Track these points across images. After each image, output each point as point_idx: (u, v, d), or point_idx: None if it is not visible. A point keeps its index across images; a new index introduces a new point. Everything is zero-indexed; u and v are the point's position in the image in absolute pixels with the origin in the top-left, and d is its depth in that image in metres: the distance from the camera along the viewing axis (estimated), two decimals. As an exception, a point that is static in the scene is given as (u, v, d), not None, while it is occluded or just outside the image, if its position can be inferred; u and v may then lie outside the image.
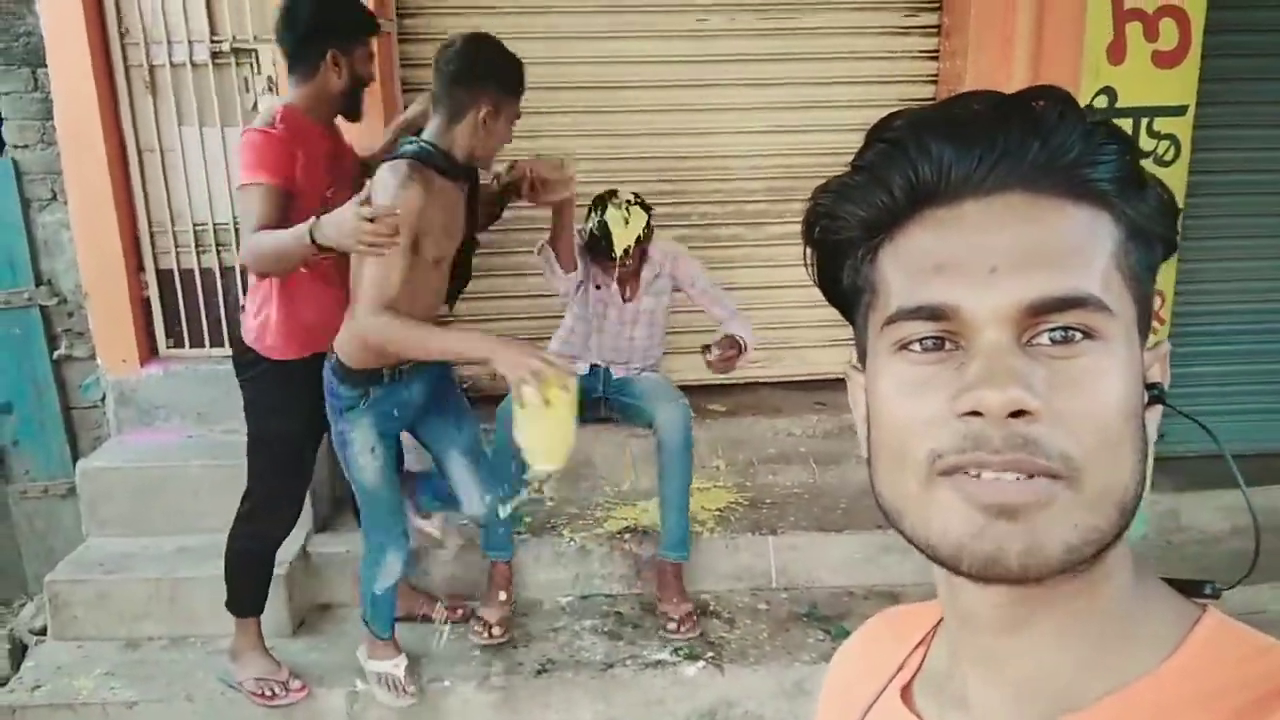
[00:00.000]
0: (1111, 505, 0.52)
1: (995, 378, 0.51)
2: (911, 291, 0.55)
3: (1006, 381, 0.51)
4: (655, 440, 3.00)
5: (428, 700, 2.82)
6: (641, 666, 2.90)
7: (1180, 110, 3.23)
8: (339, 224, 2.13)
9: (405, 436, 2.81)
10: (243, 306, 2.76)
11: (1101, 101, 3.17)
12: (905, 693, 0.67)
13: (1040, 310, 0.52)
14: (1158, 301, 3.12)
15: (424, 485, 2.90)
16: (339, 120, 2.69)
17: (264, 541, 2.78)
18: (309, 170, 2.49)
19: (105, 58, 3.29)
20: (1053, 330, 0.53)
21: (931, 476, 0.54)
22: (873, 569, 3.27)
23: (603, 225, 2.94)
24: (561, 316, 3.24)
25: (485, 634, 2.97)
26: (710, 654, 2.94)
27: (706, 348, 2.96)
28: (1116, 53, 3.17)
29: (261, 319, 2.63)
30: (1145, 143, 3.19)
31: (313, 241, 2.18)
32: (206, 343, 3.54)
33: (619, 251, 2.95)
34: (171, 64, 3.33)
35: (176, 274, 3.49)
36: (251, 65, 3.36)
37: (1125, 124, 3.07)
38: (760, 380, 3.88)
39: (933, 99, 3.59)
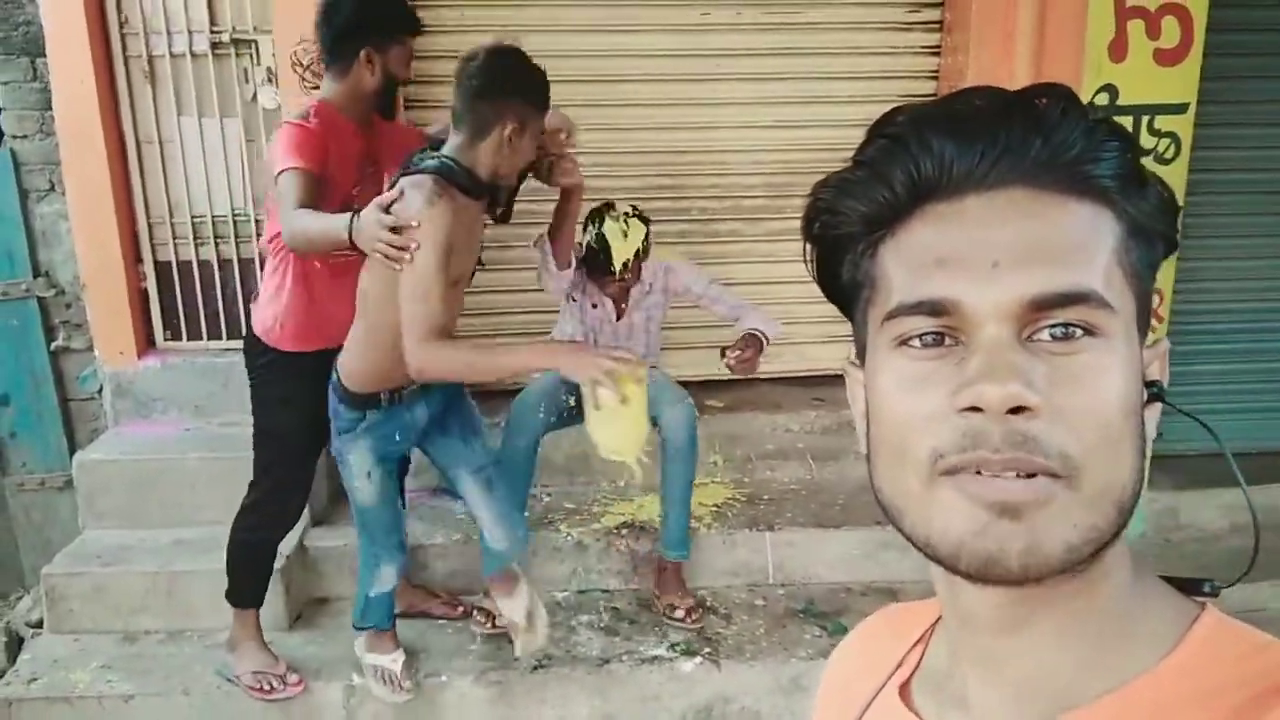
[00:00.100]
0: (1110, 504, 0.52)
1: (996, 373, 0.51)
2: (912, 286, 0.55)
3: (1007, 377, 0.51)
4: (659, 439, 2.98)
5: (424, 695, 2.82)
6: (638, 662, 2.91)
7: (1181, 108, 3.22)
8: (361, 227, 2.14)
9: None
10: (255, 295, 2.75)
11: (1102, 99, 3.17)
12: (904, 690, 0.67)
13: (1042, 306, 0.52)
14: (1156, 300, 3.11)
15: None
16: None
17: (267, 534, 2.77)
18: (338, 165, 2.50)
19: (105, 48, 3.29)
20: (1053, 326, 0.52)
21: (934, 476, 0.53)
22: (870, 565, 3.28)
23: (601, 238, 2.87)
24: (552, 309, 3.21)
25: (489, 625, 2.97)
26: (707, 649, 2.94)
27: (724, 351, 2.86)
28: (1118, 50, 3.16)
29: (275, 310, 2.62)
30: (1146, 140, 3.19)
31: (349, 238, 2.18)
32: (204, 335, 3.54)
33: (618, 265, 2.88)
34: (171, 54, 3.32)
35: (175, 266, 3.49)
36: (251, 56, 3.36)
37: (1126, 121, 3.06)
38: (759, 376, 3.87)
39: (934, 95, 3.60)
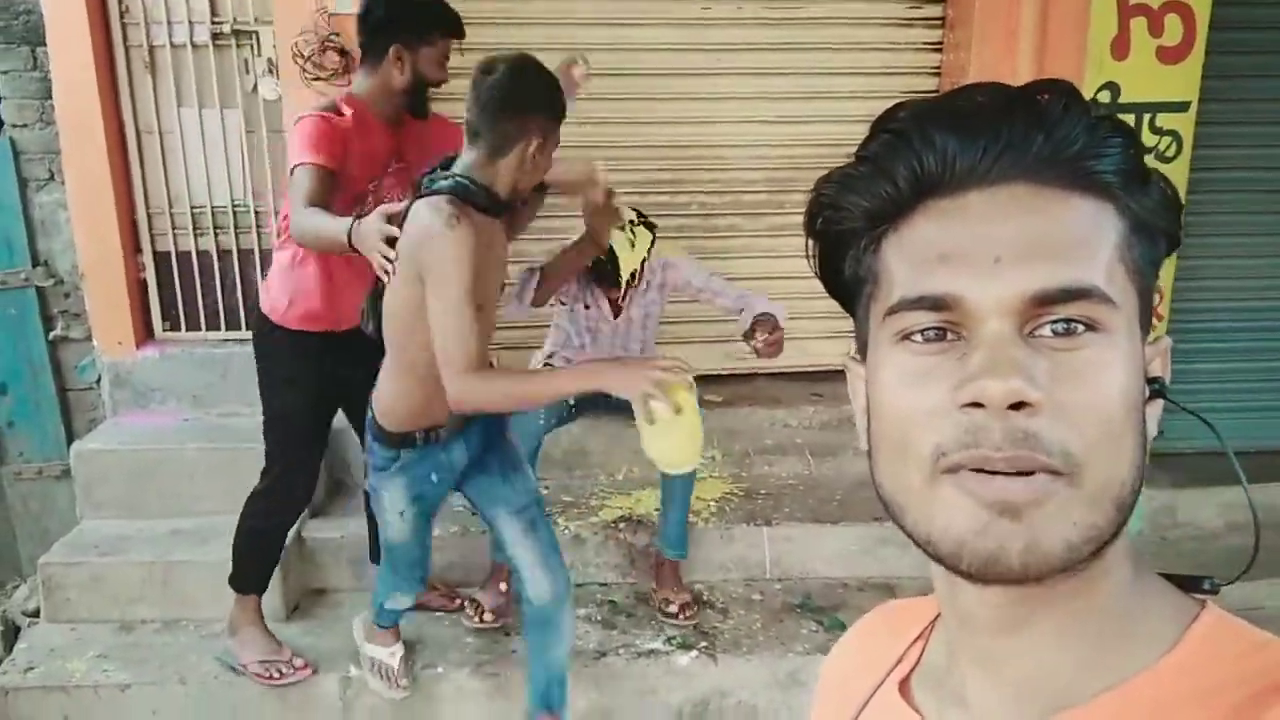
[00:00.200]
0: (1110, 501, 0.52)
1: (997, 368, 0.51)
2: (914, 282, 0.55)
3: (1008, 372, 0.51)
4: None
5: (421, 687, 2.82)
6: (635, 656, 2.91)
7: (1183, 106, 3.22)
8: (364, 233, 2.12)
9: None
10: (264, 280, 2.75)
11: (1104, 96, 3.17)
12: (903, 687, 0.67)
13: (1044, 301, 0.52)
14: (1155, 298, 3.11)
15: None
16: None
17: (277, 519, 2.78)
18: (357, 160, 2.50)
19: (105, 37, 3.28)
20: (1055, 322, 0.52)
21: (935, 473, 0.53)
22: (868, 561, 3.28)
23: (608, 249, 2.81)
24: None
25: (477, 618, 2.97)
26: (704, 644, 2.95)
27: (749, 336, 2.77)
28: (1120, 47, 3.16)
29: (285, 289, 2.62)
30: (1147, 139, 3.19)
31: (348, 242, 2.17)
32: (203, 326, 3.54)
33: (625, 276, 2.85)
34: (172, 44, 3.32)
35: (174, 256, 3.48)
36: (252, 47, 3.35)
37: (1128, 119, 3.05)
38: (757, 371, 3.87)
39: (936, 91, 3.59)
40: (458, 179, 2.05)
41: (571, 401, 2.87)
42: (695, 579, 3.23)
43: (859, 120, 3.55)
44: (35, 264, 3.57)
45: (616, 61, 3.56)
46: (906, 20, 3.67)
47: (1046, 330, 0.52)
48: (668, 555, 3.08)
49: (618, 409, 3.10)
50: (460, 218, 1.98)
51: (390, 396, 2.24)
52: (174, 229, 3.46)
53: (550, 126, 2.12)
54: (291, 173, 2.43)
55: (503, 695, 2.84)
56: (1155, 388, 0.57)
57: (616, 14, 3.53)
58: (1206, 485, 3.35)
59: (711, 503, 3.39)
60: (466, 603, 3.03)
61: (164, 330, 3.55)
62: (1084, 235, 0.54)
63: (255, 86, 3.37)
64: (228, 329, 3.53)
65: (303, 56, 3.20)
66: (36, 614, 3.15)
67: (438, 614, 3.06)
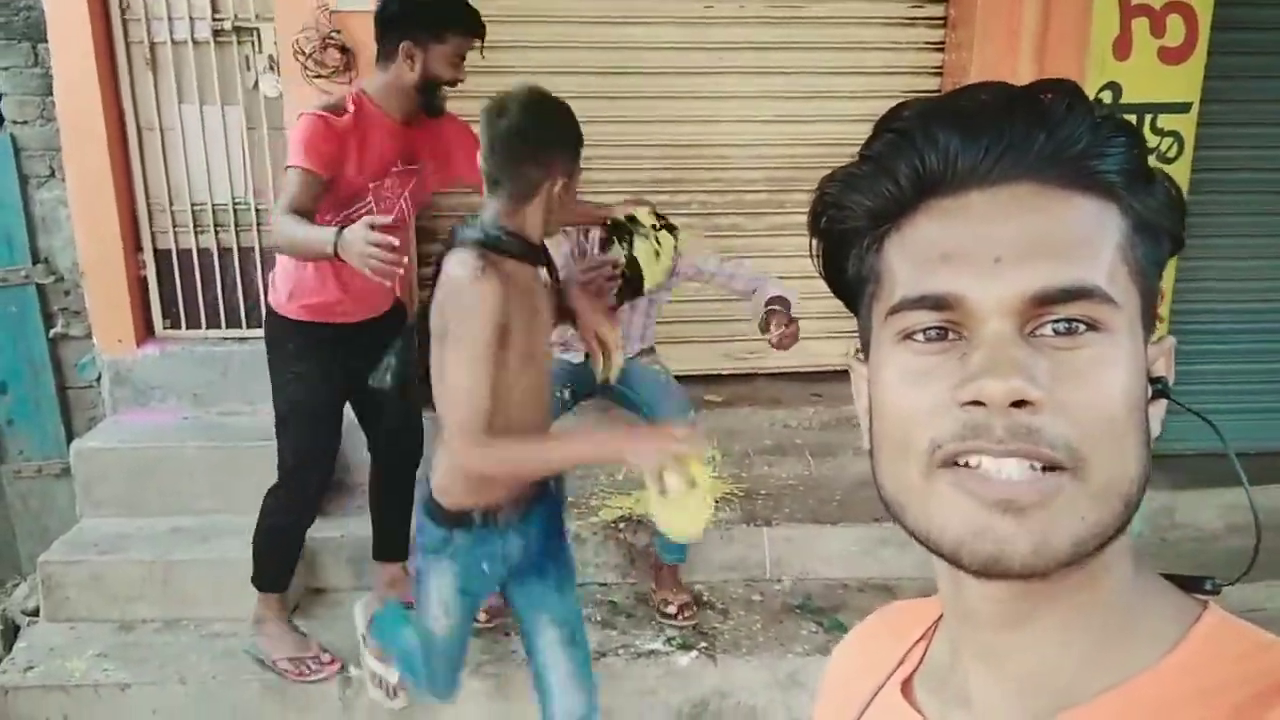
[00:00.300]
0: (1116, 498, 0.52)
1: (998, 368, 0.51)
2: (916, 281, 0.55)
3: (1009, 371, 0.51)
4: None
5: (420, 685, 2.82)
6: (634, 656, 2.91)
7: (1185, 107, 3.22)
8: (349, 242, 2.08)
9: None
10: (271, 280, 2.74)
11: (1106, 97, 3.17)
12: (906, 687, 0.67)
13: (1045, 301, 0.52)
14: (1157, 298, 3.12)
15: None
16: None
17: (292, 518, 2.77)
18: (358, 158, 2.48)
19: (106, 34, 3.28)
20: (1057, 322, 0.52)
21: (932, 468, 0.53)
22: (868, 561, 3.28)
23: (633, 262, 2.70)
24: None
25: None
26: (703, 644, 2.94)
27: (764, 329, 2.70)
28: (1122, 48, 3.16)
29: (291, 281, 2.61)
30: (1149, 139, 3.18)
31: (334, 252, 2.13)
32: (204, 324, 3.54)
33: (651, 286, 2.75)
34: (173, 41, 3.31)
35: (174, 254, 3.48)
36: (253, 44, 3.35)
37: (1129, 120, 3.06)
38: (757, 371, 3.87)
39: (937, 91, 3.59)
40: (486, 229, 1.93)
41: (566, 396, 2.85)
42: (695, 579, 3.23)
43: (861, 120, 3.59)
44: (35, 261, 3.57)
45: (618, 60, 3.56)
46: (908, 20, 3.67)
47: (1048, 330, 0.53)
48: (666, 560, 3.07)
49: (619, 399, 3.09)
50: (487, 270, 1.85)
51: (445, 469, 2.05)
52: (175, 226, 3.45)
53: (573, 159, 2.00)
54: (286, 170, 2.43)
55: (502, 695, 2.84)
56: (1158, 388, 0.57)
57: (618, 12, 3.53)
58: (1206, 487, 3.35)
59: (711, 503, 3.38)
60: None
61: (164, 328, 3.54)
62: (1086, 235, 0.54)
63: (256, 83, 3.37)
64: (228, 327, 3.53)
65: (304, 53, 3.20)
66: (36, 613, 3.15)
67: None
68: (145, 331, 3.53)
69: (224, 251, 3.49)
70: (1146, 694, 0.54)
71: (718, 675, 2.88)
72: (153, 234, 3.47)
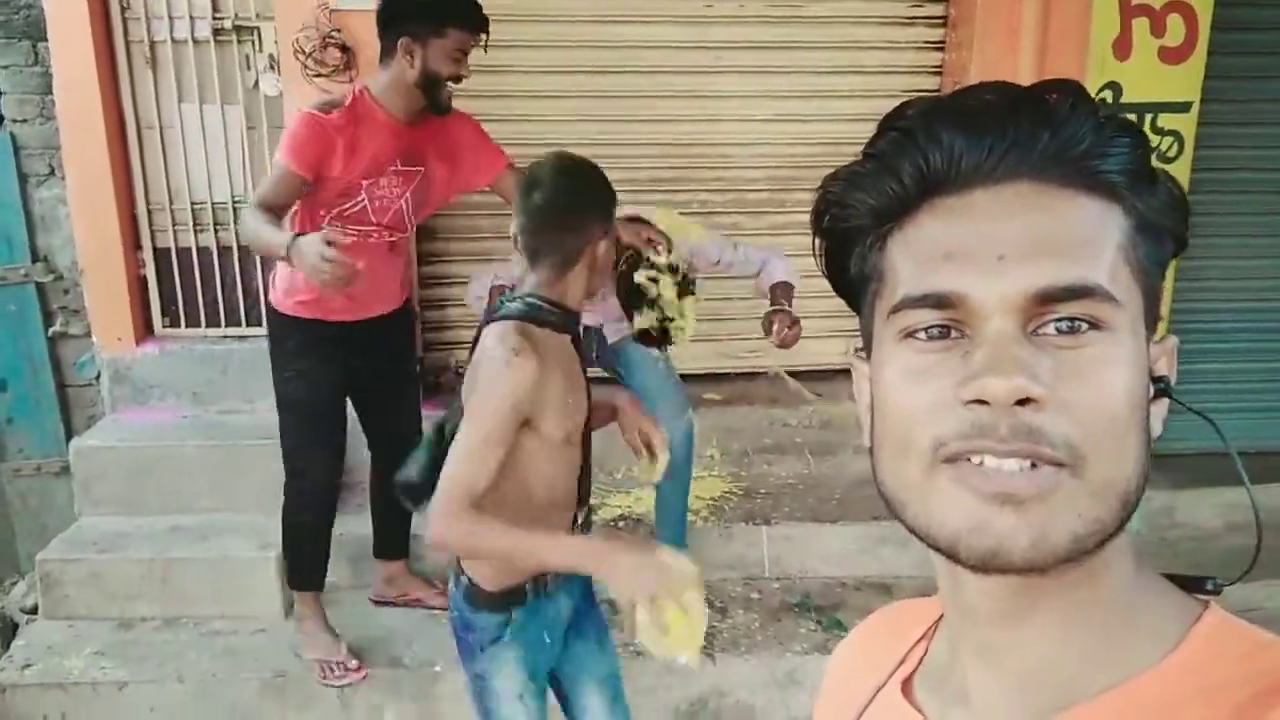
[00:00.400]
0: (1115, 496, 0.52)
1: (1001, 366, 0.51)
2: (919, 279, 0.55)
3: (1012, 370, 0.51)
4: None
5: (419, 685, 2.82)
6: (633, 654, 2.89)
7: (1185, 107, 3.22)
8: (303, 251, 2.06)
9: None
10: (271, 278, 2.73)
11: (1106, 96, 3.17)
12: (906, 687, 0.67)
13: (1047, 299, 0.52)
14: (1158, 298, 3.12)
15: None
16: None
17: (307, 514, 2.77)
18: (346, 156, 2.46)
19: (106, 32, 3.28)
20: (1059, 320, 0.53)
21: (935, 464, 0.54)
22: (866, 560, 3.28)
23: (662, 326, 2.65)
24: None
25: None
26: (702, 643, 2.94)
27: (768, 329, 2.68)
28: (1122, 48, 3.16)
29: (288, 278, 2.60)
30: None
31: (286, 255, 2.13)
32: (203, 322, 3.54)
33: (682, 343, 2.72)
34: (173, 40, 3.31)
35: (174, 253, 3.48)
36: (253, 43, 3.35)
37: (1132, 120, 3.06)
38: (756, 370, 3.87)
39: (937, 90, 3.59)
40: (528, 300, 1.85)
41: None
42: (694, 578, 3.22)
43: (861, 119, 3.59)
44: (35, 260, 3.57)
45: (618, 59, 3.56)
46: (908, 19, 3.67)
47: (1050, 328, 0.53)
48: None
49: (614, 377, 3.03)
50: (524, 351, 1.76)
51: None
52: (174, 225, 3.45)
53: (609, 218, 1.92)
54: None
55: None
56: (1160, 387, 0.58)
57: (618, 11, 3.53)
58: (1205, 486, 3.35)
59: (710, 502, 3.39)
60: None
61: (163, 326, 3.54)
62: (1088, 234, 0.54)
63: (256, 82, 3.37)
64: (227, 325, 3.53)
65: (304, 52, 3.19)
66: (35, 611, 3.15)
67: (436, 613, 3.05)
68: (144, 330, 3.53)
69: (223, 250, 3.49)
70: (1147, 693, 0.54)
71: (716, 674, 2.89)
72: (152, 232, 3.47)
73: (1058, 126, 0.54)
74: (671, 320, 2.66)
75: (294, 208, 2.56)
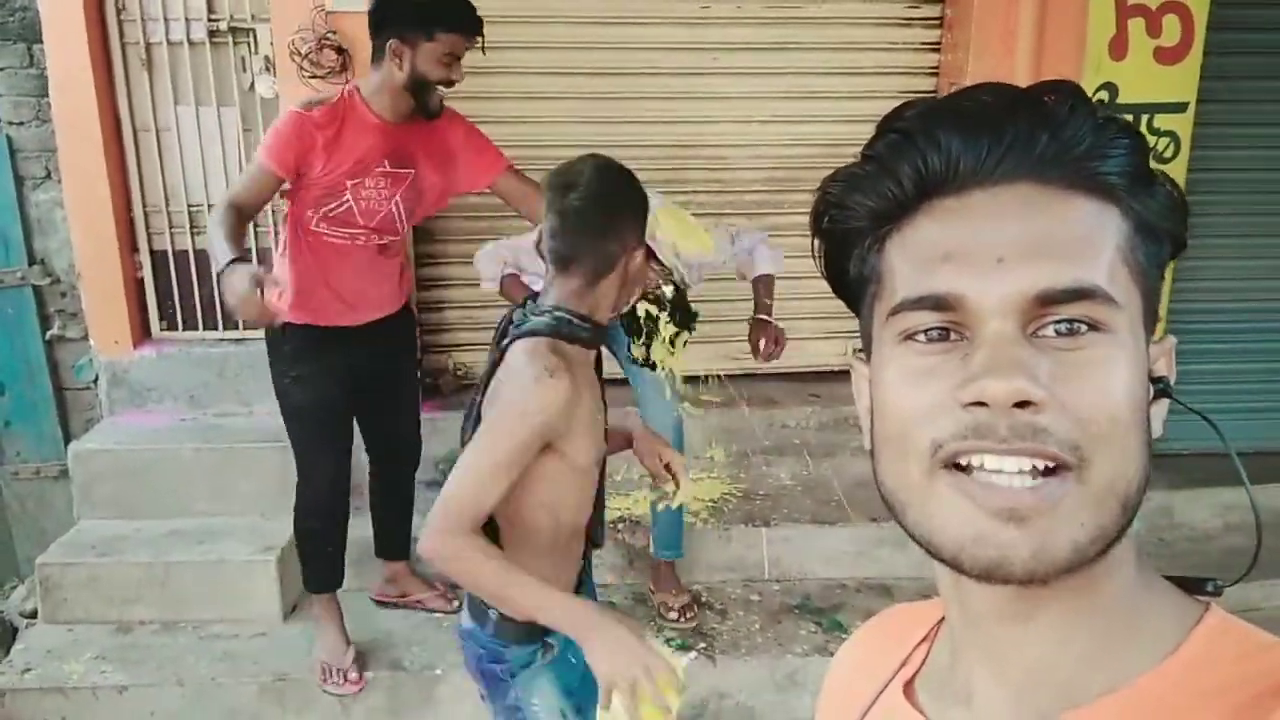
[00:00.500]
0: (1116, 500, 0.52)
1: (1000, 368, 0.51)
2: (918, 281, 0.55)
3: (1011, 372, 0.51)
4: None
5: (420, 688, 2.81)
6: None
7: (1181, 107, 3.23)
8: (230, 282, 2.04)
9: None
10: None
11: (1102, 97, 3.17)
12: (908, 689, 0.67)
13: (1047, 301, 0.52)
14: (1155, 298, 3.13)
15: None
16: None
17: (315, 520, 2.76)
18: (327, 156, 2.44)
19: (102, 34, 3.28)
20: (1058, 322, 0.53)
21: (934, 468, 0.53)
22: (866, 562, 3.28)
23: (649, 361, 2.70)
24: None
25: None
26: (702, 645, 2.94)
27: (755, 346, 2.74)
28: (1118, 48, 3.16)
29: (286, 285, 2.60)
30: (1145, 139, 3.20)
31: (217, 274, 2.12)
32: (200, 325, 3.53)
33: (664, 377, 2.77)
34: (168, 42, 3.31)
35: (171, 255, 3.48)
36: (249, 45, 3.34)
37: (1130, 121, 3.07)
38: (755, 372, 3.87)
39: (934, 92, 3.60)
40: (557, 314, 1.71)
41: None
42: (694, 580, 3.23)
43: (858, 120, 3.59)
44: (32, 263, 3.56)
45: (615, 60, 3.56)
46: (905, 20, 3.67)
47: (1050, 330, 0.53)
48: (663, 557, 3.07)
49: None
50: (559, 373, 1.63)
51: None
52: (171, 228, 3.45)
53: (644, 226, 1.79)
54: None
55: (500, 695, 2.84)
56: (1160, 387, 0.58)
57: (615, 13, 3.53)
58: (1203, 486, 3.35)
59: (710, 503, 3.39)
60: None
61: (161, 329, 3.54)
62: (1087, 236, 0.54)
63: (252, 84, 3.37)
64: (224, 328, 3.52)
65: (300, 54, 3.19)
66: (34, 615, 3.15)
67: (436, 615, 3.05)
68: (142, 333, 3.52)
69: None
70: (1148, 695, 0.54)
71: (716, 676, 2.88)
72: (149, 235, 3.47)
73: (1057, 128, 0.54)
74: (658, 360, 2.68)
75: (286, 208, 2.57)
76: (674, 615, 3.01)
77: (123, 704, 2.78)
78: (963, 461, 0.53)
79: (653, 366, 2.74)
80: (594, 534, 1.90)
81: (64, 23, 3.19)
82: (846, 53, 3.65)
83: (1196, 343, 3.49)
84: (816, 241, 0.63)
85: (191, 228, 3.46)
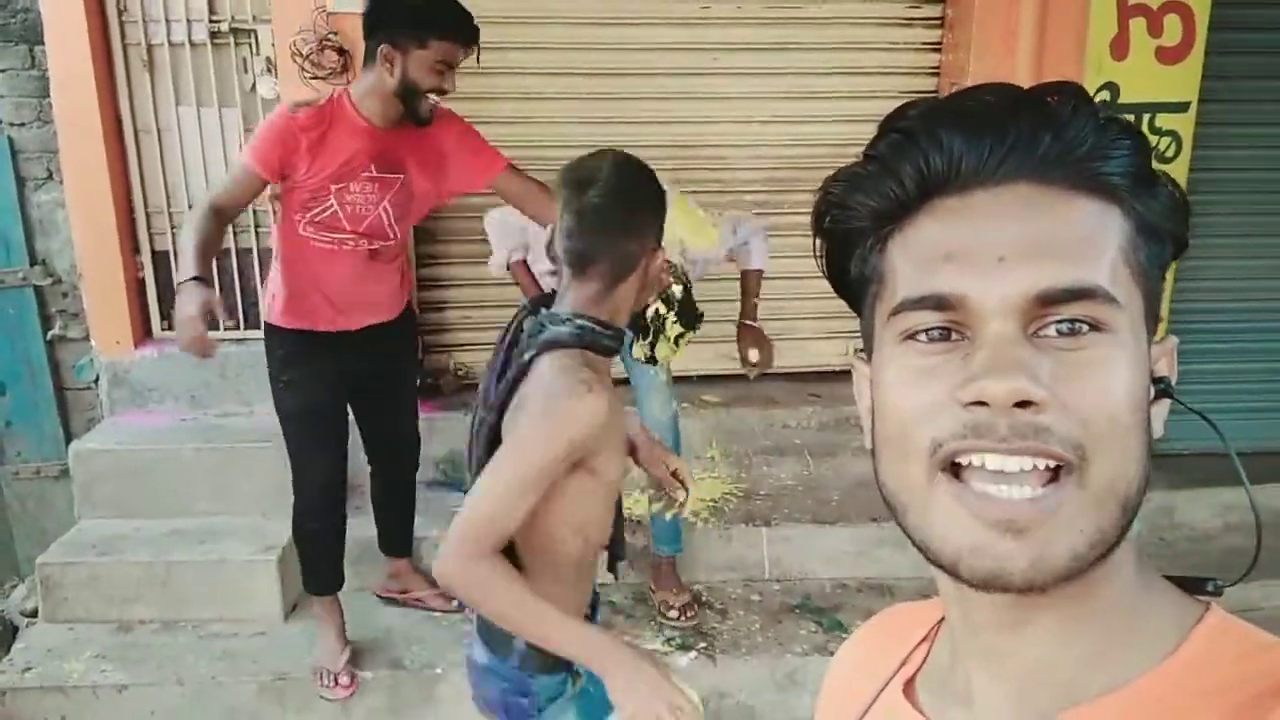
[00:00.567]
0: (1115, 501, 0.52)
1: (1000, 368, 0.51)
2: (919, 281, 0.55)
3: (1012, 372, 0.51)
4: None
5: (420, 687, 2.81)
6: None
7: (1182, 107, 3.22)
8: (180, 301, 2.11)
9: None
10: (263, 284, 2.74)
11: (1104, 97, 3.17)
12: (908, 688, 0.67)
13: (1048, 301, 0.52)
14: (1156, 298, 3.13)
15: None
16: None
17: (311, 522, 2.75)
18: (310, 159, 2.41)
19: (103, 35, 3.28)
20: (1060, 322, 0.53)
21: (933, 470, 0.53)
22: (866, 562, 3.28)
23: (651, 357, 2.67)
24: None
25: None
26: (703, 644, 2.94)
27: (744, 357, 2.79)
28: (1120, 48, 3.16)
29: (274, 286, 2.61)
30: (1146, 139, 3.20)
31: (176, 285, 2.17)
32: (201, 325, 3.52)
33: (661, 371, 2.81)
34: (170, 43, 3.31)
35: (172, 255, 3.47)
36: (250, 46, 3.34)
37: (1127, 120, 3.07)
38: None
39: (935, 92, 3.59)
40: (579, 323, 1.59)
41: None
42: (694, 580, 3.23)
43: (858, 120, 3.59)
44: (33, 263, 3.56)
45: (616, 61, 3.56)
46: (906, 20, 3.67)
47: (1051, 330, 0.53)
48: (663, 553, 3.07)
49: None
50: (598, 386, 1.53)
51: None
52: (172, 228, 3.45)
53: (663, 225, 1.70)
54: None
55: None
56: (1161, 387, 0.58)
57: (616, 13, 3.52)
58: (1203, 486, 3.35)
59: (710, 503, 3.39)
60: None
61: (162, 330, 3.54)
62: (1089, 236, 0.54)
63: (254, 85, 3.37)
64: (225, 329, 3.52)
65: (301, 55, 3.19)
66: (34, 614, 3.15)
67: (437, 614, 3.05)
68: (143, 333, 3.53)
69: (221, 253, 3.48)
70: (1148, 695, 0.54)
71: (717, 675, 2.89)
72: (150, 236, 3.47)
73: (1059, 128, 0.54)
74: (660, 356, 2.68)
75: (279, 210, 2.57)
76: (674, 614, 3.01)
77: (123, 703, 2.78)
78: (963, 461, 0.52)
79: (653, 363, 2.74)
80: (616, 549, 1.85)
81: (65, 24, 3.19)
82: (847, 53, 3.65)
83: (1197, 342, 3.48)
84: (818, 241, 0.63)
85: (192, 228, 3.46)
